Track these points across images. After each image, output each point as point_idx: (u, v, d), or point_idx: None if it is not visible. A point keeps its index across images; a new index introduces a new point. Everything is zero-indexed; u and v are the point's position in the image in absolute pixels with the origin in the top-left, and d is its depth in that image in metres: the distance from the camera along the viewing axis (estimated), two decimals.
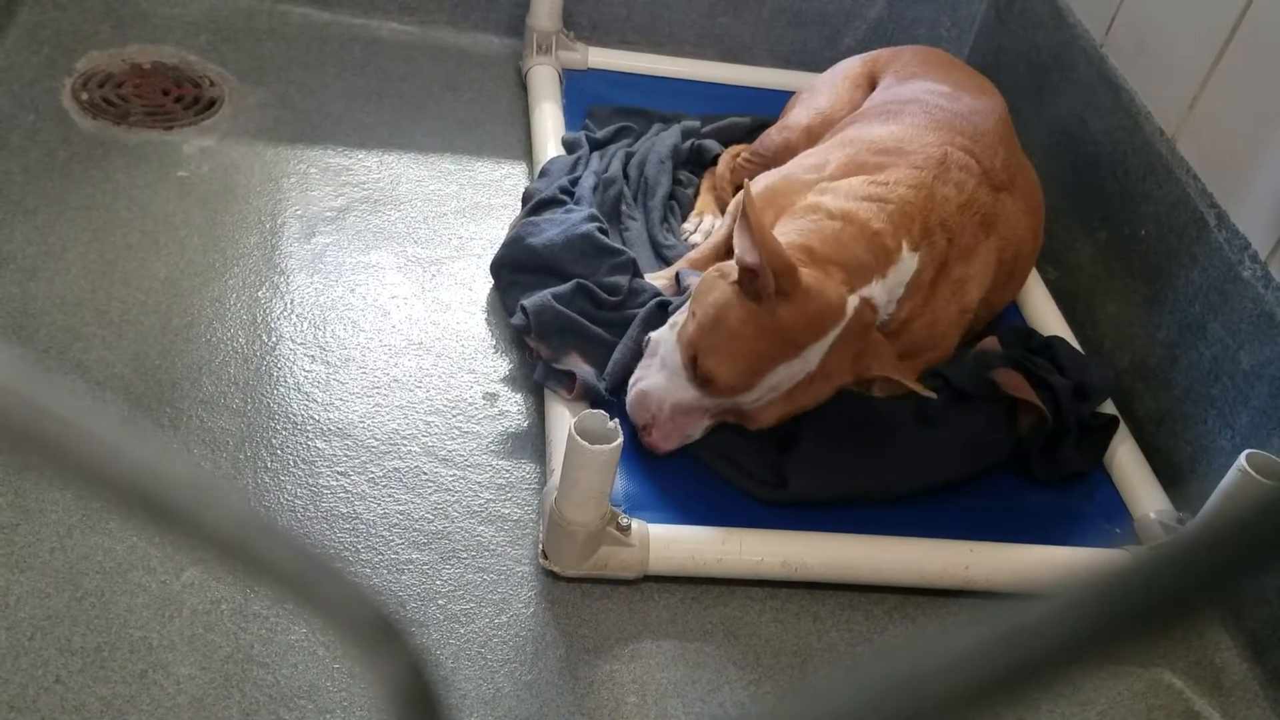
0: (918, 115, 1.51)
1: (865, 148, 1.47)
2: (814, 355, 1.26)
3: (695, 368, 1.26)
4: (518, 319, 1.43)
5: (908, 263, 1.36)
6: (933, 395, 1.28)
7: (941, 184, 1.41)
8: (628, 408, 1.33)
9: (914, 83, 1.63)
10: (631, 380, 1.35)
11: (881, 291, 1.33)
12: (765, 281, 1.23)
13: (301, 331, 1.46)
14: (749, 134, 1.86)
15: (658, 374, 1.31)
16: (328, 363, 1.43)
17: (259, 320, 1.46)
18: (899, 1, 2.19)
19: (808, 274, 1.26)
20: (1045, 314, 1.69)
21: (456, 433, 1.38)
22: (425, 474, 1.32)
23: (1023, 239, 1.53)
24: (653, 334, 1.37)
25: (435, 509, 1.28)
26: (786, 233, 1.34)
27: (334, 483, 1.29)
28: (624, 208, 1.68)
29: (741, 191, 1.29)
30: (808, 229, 1.34)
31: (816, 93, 1.75)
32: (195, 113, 1.77)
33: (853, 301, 1.28)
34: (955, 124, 1.50)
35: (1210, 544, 0.23)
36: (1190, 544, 0.23)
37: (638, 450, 1.34)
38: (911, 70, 1.67)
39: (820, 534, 1.29)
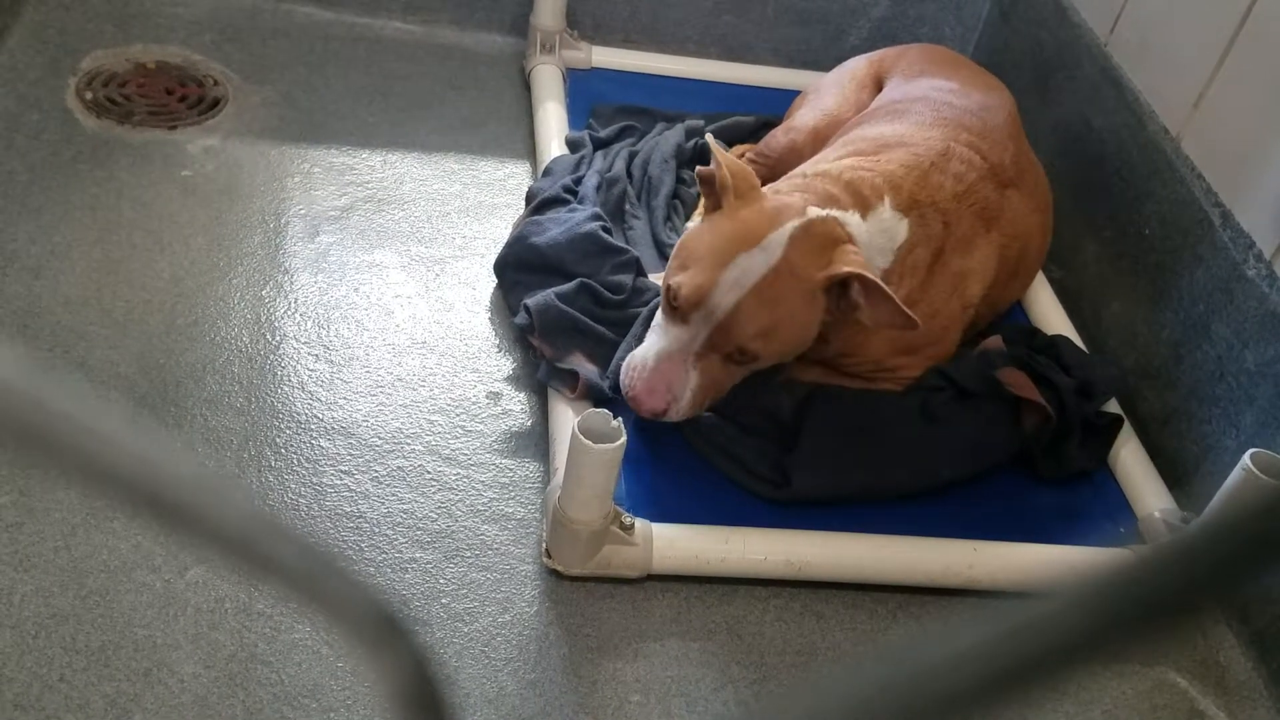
0: (924, 113, 1.51)
1: (868, 143, 1.47)
2: (774, 245, 1.24)
3: (669, 296, 1.26)
4: (521, 318, 1.43)
5: (893, 222, 1.36)
6: (918, 322, 1.23)
7: (938, 172, 1.41)
8: (620, 382, 1.32)
9: (922, 80, 1.62)
10: None
11: (859, 230, 1.32)
12: (722, 179, 1.28)
13: (305, 330, 1.46)
14: (753, 133, 1.86)
15: (646, 339, 1.32)
16: (331, 361, 1.43)
17: (263, 319, 1.46)
18: (903, 0, 2.19)
19: (769, 189, 1.32)
20: (1049, 313, 1.69)
21: (460, 432, 1.38)
22: (429, 473, 1.32)
23: (1030, 235, 1.53)
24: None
25: (439, 508, 1.28)
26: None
27: (338, 481, 1.29)
28: (628, 207, 1.68)
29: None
30: (780, 186, 1.37)
31: (822, 94, 1.75)
32: (199, 112, 1.77)
33: (817, 210, 1.29)
34: (963, 120, 1.50)
35: (1214, 543, 0.23)
36: (1194, 543, 0.23)
37: (641, 449, 1.34)
38: (919, 68, 1.67)
39: (824, 533, 1.29)
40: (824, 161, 1.46)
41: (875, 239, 1.34)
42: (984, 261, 1.45)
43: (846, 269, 1.23)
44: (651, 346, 1.29)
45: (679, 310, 1.25)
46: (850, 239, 1.29)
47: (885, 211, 1.35)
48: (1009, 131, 1.54)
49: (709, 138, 1.34)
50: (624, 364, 1.31)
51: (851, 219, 1.31)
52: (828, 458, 1.34)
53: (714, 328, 1.24)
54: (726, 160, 1.29)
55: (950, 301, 1.43)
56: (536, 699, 1.13)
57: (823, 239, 1.26)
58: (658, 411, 1.27)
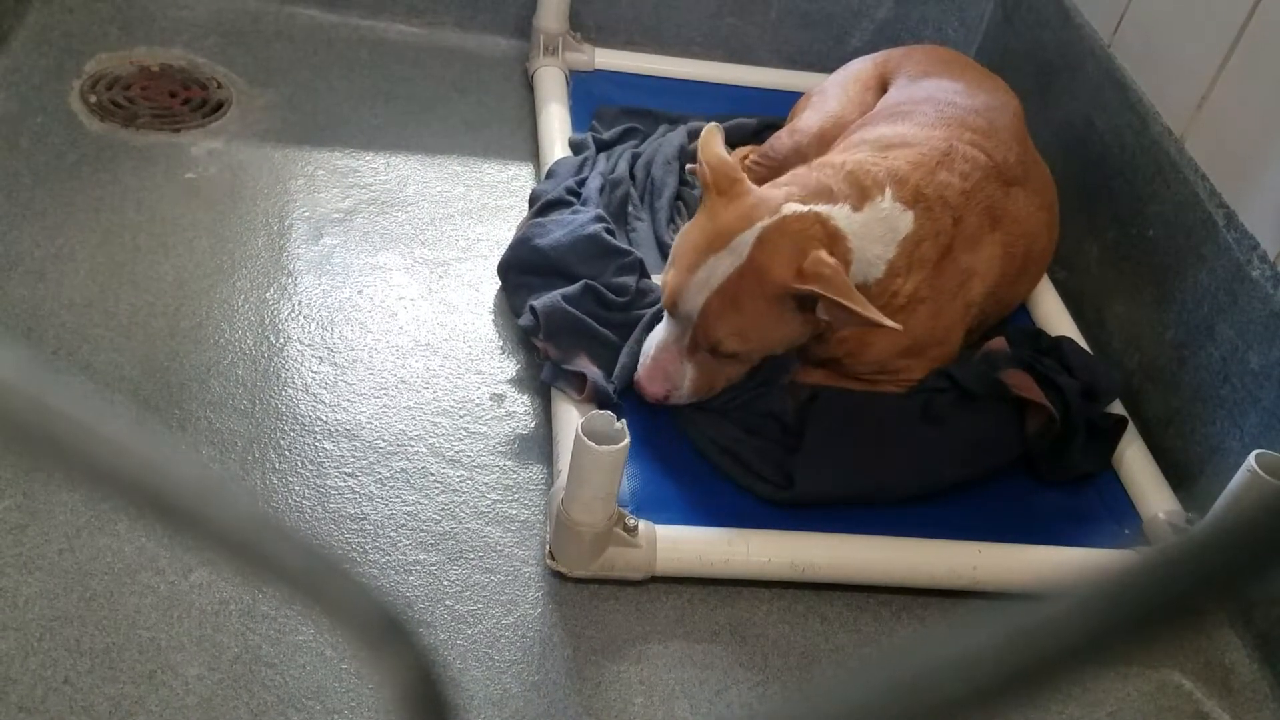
0: (928, 113, 1.51)
1: (871, 145, 1.47)
2: (741, 246, 1.26)
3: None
4: (526, 320, 1.43)
5: (894, 214, 1.36)
6: (897, 327, 1.23)
7: (944, 170, 1.41)
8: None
9: (926, 81, 1.63)
10: None
11: (848, 223, 1.31)
12: (703, 176, 1.31)
13: (309, 333, 1.46)
14: (756, 135, 1.86)
15: (658, 327, 1.37)
16: (335, 364, 1.43)
17: (267, 322, 1.46)
18: (906, 2, 2.19)
19: (754, 185, 1.33)
20: (1053, 315, 1.68)
21: (464, 434, 1.38)
22: (433, 475, 1.32)
23: (1036, 233, 1.52)
24: None
25: (442, 510, 1.28)
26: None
27: (341, 484, 1.29)
28: (631, 208, 1.68)
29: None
30: (780, 179, 1.39)
31: (827, 96, 1.75)
32: (203, 115, 1.77)
33: (794, 206, 1.29)
34: (967, 120, 1.50)
35: (1218, 545, 0.23)
36: (1198, 544, 0.23)
37: (645, 451, 1.34)
38: (923, 69, 1.67)
39: (827, 535, 1.29)
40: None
41: (872, 229, 1.34)
42: (989, 261, 1.45)
43: (807, 287, 1.22)
44: (654, 336, 1.36)
45: (666, 307, 1.33)
46: (832, 235, 1.29)
47: (885, 203, 1.35)
48: (1014, 131, 1.54)
49: (707, 127, 1.37)
50: (642, 348, 1.38)
51: (839, 212, 1.31)
52: (831, 459, 1.34)
53: (693, 326, 1.30)
54: (708, 155, 1.32)
55: (954, 301, 1.43)
56: (540, 701, 1.13)
57: (796, 238, 1.27)
58: (659, 397, 1.34)
